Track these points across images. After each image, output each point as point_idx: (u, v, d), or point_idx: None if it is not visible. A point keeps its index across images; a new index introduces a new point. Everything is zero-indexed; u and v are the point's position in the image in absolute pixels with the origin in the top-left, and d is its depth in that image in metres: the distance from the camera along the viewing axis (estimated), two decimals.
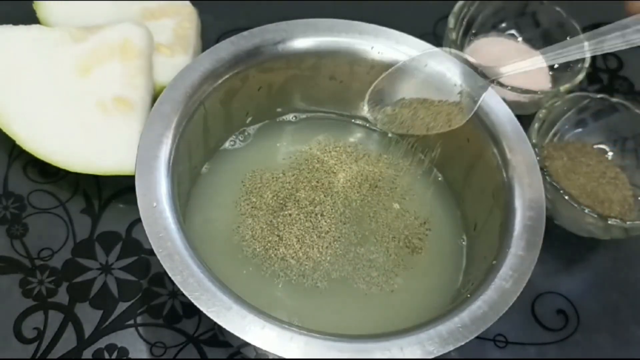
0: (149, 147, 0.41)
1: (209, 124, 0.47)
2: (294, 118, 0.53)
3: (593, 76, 0.66)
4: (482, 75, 0.46)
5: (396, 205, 0.49)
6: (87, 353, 0.47)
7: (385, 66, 0.48)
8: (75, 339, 0.48)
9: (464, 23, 0.63)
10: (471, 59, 0.48)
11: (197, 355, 0.48)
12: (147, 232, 0.38)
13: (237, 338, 0.35)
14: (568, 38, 0.62)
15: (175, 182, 0.41)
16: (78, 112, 0.53)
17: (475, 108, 0.46)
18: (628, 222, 0.50)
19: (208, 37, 0.63)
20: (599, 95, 0.58)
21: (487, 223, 0.45)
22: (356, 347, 0.35)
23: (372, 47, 0.48)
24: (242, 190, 0.48)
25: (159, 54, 0.58)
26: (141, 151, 0.41)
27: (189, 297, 0.35)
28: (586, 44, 0.44)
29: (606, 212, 0.53)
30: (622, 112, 0.58)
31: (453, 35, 0.60)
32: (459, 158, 0.49)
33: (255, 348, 0.36)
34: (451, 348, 0.36)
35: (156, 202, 0.39)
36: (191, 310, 0.49)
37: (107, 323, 0.48)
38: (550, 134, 0.58)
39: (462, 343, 0.36)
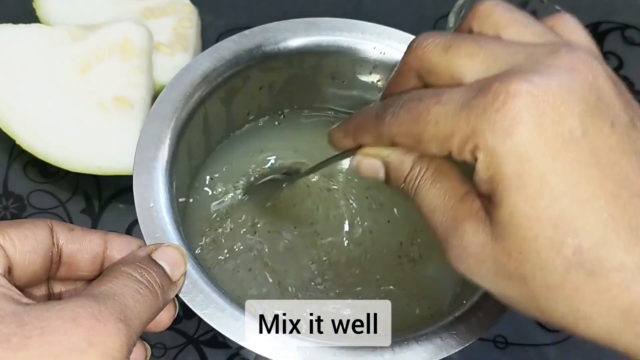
0: (147, 147, 0.41)
1: (209, 123, 0.47)
2: (295, 118, 0.53)
3: None
4: None
5: (397, 207, 0.49)
6: None
7: (387, 66, 0.48)
8: None
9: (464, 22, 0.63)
10: None
11: (197, 356, 0.48)
12: (143, 232, 0.37)
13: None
14: None
15: (174, 182, 0.41)
16: (78, 111, 0.53)
17: None
18: None
19: (208, 36, 0.63)
20: None
21: None
22: (350, 351, 0.35)
23: (374, 47, 0.48)
24: (242, 190, 0.48)
25: (159, 53, 0.58)
26: (139, 151, 0.41)
27: (183, 299, 0.35)
28: None
29: None
30: None
31: None
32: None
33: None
34: (445, 355, 0.36)
35: (153, 202, 0.39)
36: (191, 311, 0.49)
37: None
38: None
39: (456, 350, 0.36)
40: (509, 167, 0.25)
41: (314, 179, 0.49)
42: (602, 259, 0.25)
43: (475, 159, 0.26)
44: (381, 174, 0.32)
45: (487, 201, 0.27)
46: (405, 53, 0.31)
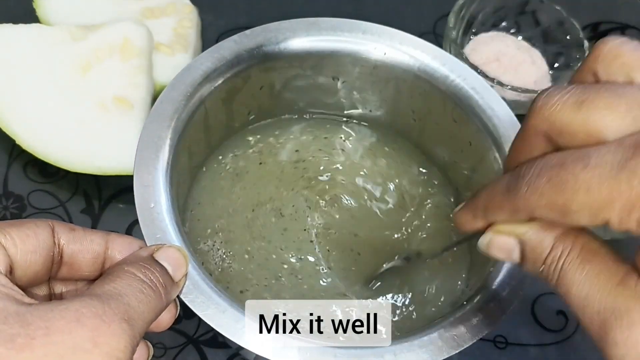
0: (148, 147, 0.41)
1: (210, 123, 0.47)
2: (296, 118, 0.53)
3: None
4: (484, 76, 0.46)
5: (397, 208, 0.49)
6: None
7: (388, 66, 0.48)
8: None
9: (464, 22, 0.63)
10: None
11: (197, 356, 0.48)
12: (143, 233, 0.37)
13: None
14: (568, 37, 0.62)
15: (174, 183, 0.41)
16: (78, 111, 0.53)
17: None
18: None
19: (208, 36, 0.63)
20: None
21: None
22: (350, 352, 0.35)
23: (375, 48, 0.48)
24: (242, 190, 0.48)
25: (159, 53, 0.58)
26: (140, 151, 0.41)
27: (184, 300, 0.35)
28: None
29: None
30: None
31: (453, 34, 0.60)
32: (461, 161, 0.49)
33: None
34: (445, 356, 0.36)
35: (154, 202, 0.39)
36: (191, 311, 0.49)
37: None
38: None
39: (456, 351, 0.36)
40: None
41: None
42: None
43: None
44: (516, 255, 0.29)
45: None
46: (529, 115, 0.28)
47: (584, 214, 0.24)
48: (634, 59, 0.26)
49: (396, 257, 0.45)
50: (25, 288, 0.30)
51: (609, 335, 0.25)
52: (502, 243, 0.29)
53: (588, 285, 0.26)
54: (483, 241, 0.30)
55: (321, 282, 0.45)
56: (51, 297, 0.33)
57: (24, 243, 0.30)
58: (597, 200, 0.24)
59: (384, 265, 0.45)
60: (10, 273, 0.29)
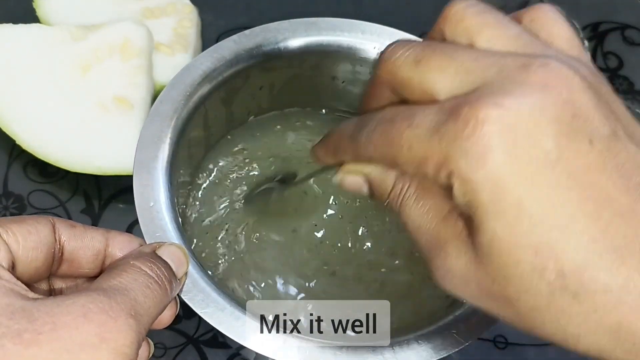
0: (147, 147, 0.41)
1: (209, 123, 0.47)
2: (295, 118, 0.53)
3: None
4: None
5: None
6: None
7: None
8: None
9: None
10: None
11: (197, 356, 0.48)
12: (143, 231, 0.37)
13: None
14: None
15: (174, 182, 0.41)
16: (78, 111, 0.53)
17: None
18: None
19: (208, 36, 0.63)
20: None
21: None
22: (350, 351, 0.35)
23: (374, 47, 0.48)
24: (242, 190, 0.48)
25: (159, 53, 0.58)
26: (139, 151, 0.41)
27: (183, 298, 0.35)
28: None
29: None
30: None
31: None
32: None
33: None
34: (444, 354, 0.36)
35: (153, 201, 0.39)
36: (191, 311, 0.49)
37: None
38: None
39: (456, 349, 0.36)
40: (484, 195, 0.25)
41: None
42: (586, 282, 0.24)
43: (452, 185, 0.26)
44: (365, 190, 0.32)
45: (469, 222, 0.27)
46: (376, 66, 0.30)
47: (409, 167, 0.27)
48: (475, 22, 0.28)
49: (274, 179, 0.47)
50: (26, 284, 0.30)
51: (433, 261, 0.29)
52: (352, 181, 0.32)
53: (420, 219, 0.29)
54: (336, 178, 0.33)
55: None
56: (51, 293, 0.33)
57: (26, 239, 0.30)
58: (416, 157, 0.27)
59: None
60: (12, 269, 0.29)
